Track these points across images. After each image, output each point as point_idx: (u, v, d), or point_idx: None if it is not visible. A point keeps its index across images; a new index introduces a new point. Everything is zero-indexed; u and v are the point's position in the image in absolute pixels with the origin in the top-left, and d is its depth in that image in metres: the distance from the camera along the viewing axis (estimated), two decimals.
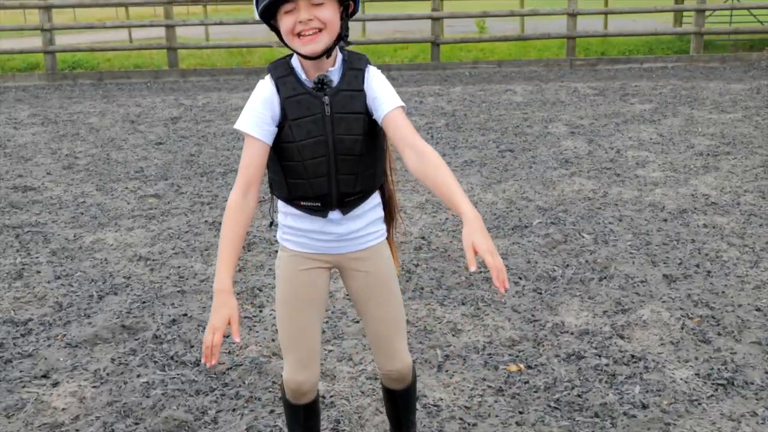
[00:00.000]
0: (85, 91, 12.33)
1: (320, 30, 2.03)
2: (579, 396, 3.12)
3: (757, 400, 3.08)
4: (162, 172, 6.92)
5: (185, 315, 3.93)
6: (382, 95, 2.11)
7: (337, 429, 2.92)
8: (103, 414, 3.03)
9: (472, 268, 1.80)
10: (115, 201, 6.05)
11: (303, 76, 2.12)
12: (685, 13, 17.46)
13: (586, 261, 4.57)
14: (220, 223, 5.35)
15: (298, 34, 2.03)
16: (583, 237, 4.98)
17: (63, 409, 3.07)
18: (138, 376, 3.32)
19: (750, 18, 18.04)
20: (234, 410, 3.05)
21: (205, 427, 2.93)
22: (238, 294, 4.17)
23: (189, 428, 2.92)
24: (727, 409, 3.01)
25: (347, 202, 2.20)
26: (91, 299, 4.16)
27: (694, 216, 5.36)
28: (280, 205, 2.27)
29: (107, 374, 3.34)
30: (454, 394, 3.15)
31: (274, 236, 5.10)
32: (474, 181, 6.37)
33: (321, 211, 2.20)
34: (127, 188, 6.42)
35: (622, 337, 3.62)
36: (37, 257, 4.83)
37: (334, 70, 2.13)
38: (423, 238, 5.00)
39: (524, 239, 4.97)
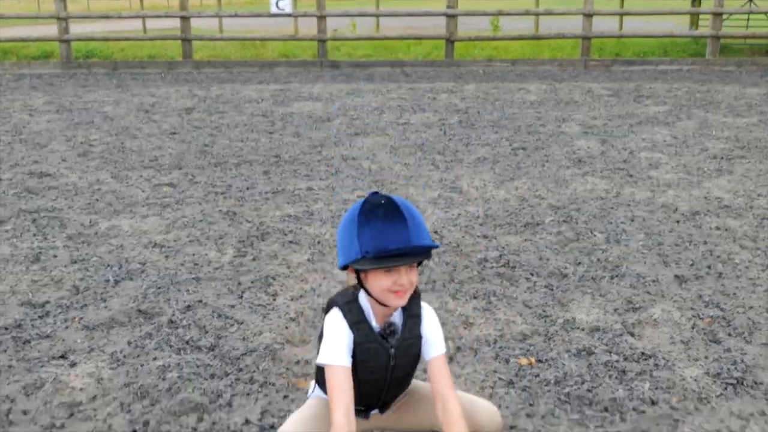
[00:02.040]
0: (100, 80, 12.41)
1: (407, 290, 2.21)
2: (589, 390, 3.15)
3: (766, 399, 3.10)
4: (176, 162, 6.97)
5: (200, 301, 3.97)
6: (432, 339, 2.33)
7: None
8: (120, 395, 3.08)
9: None
10: (129, 189, 6.11)
11: (373, 322, 2.27)
12: (701, 16, 17.40)
13: (598, 259, 4.60)
14: (234, 213, 5.41)
15: (392, 291, 2.19)
16: (595, 236, 5.01)
17: (81, 389, 3.12)
18: (154, 359, 3.36)
19: (767, 22, 17.96)
20: (248, 394, 3.09)
21: (220, 410, 2.97)
22: (251, 283, 4.22)
23: (204, 410, 2.97)
24: (736, 408, 3.04)
25: (388, 405, 2.44)
26: (107, 284, 4.21)
27: (706, 218, 5.37)
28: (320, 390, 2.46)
29: (124, 356, 3.39)
30: (466, 386, 3.18)
31: (287, 227, 5.15)
32: (487, 178, 6.40)
33: (363, 413, 2.41)
34: (141, 176, 6.47)
35: (632, 335, 3.65)
36: (54, 242, 4.88)
37: (396, 314, 2.30)
38: (436, 232, 5.03)
39: (536, 236, 4.99)
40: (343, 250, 2.21)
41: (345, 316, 2.24)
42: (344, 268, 2.23)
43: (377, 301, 2.22)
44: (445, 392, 2.25)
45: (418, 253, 2.16)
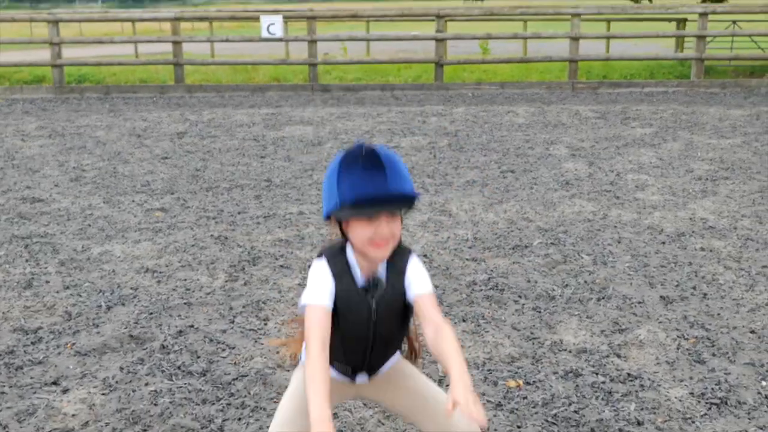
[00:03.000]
0: (92, 104, 12.48)
1: (389, 241, 2.18)
2: (576, 412, 3.20)
3: (749, 419, 3.16)
4: (168, 186, 7.02)
5: (192, 326, 4.01)
6: (415, 280, 2.25)
7: None
8: (113, 420, 3.11)
9: (447, 413, 1.92)
10: (122, 214, 6.15)
11: (358, 274, 2.24)
12: (686, 39, 17.66)
13: (585, 281, 4.66)
14: (225, 237, 5.46)
15: (373, 242, 2.17)
16: (583, 258, 5.08)
17: (73, 415, 3.15)
18: (146, 384, 3.40)
19: (751, 44, 18.25)
20: (239, 419, 3.13)
21: None
22: (242, 308, 4.26)
23: None
24: (720, 428, 3.09)
25: (375, 369, 2.39)
26: (99, 309, 4.25)
27: (691, 239, 5.45)
28: None
29: (116, 382, 3.42)
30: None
31: (279, 251, 5.20)
32: (475, 201, 6.47)
33: (350, 375, 2.38)
34: (133, 201, 6.52)
35: (618, 356, 3.70)
36: (46, 267, 4.92)
37: (381, 267, 2.26)
38: (425, 255, 5.09)
39: (524, 259, 5.06)
40: (325, 201, 2.21)
41: (329, 265, 2.22)
42: (328, 218, 2.23)
43: (360, 254, 2.20)
44: (437, 319, 2.18)
45: (396, 201, 2.15)
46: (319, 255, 2.27)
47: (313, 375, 2.04)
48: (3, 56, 18.50)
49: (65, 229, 5.73)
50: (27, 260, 5.06)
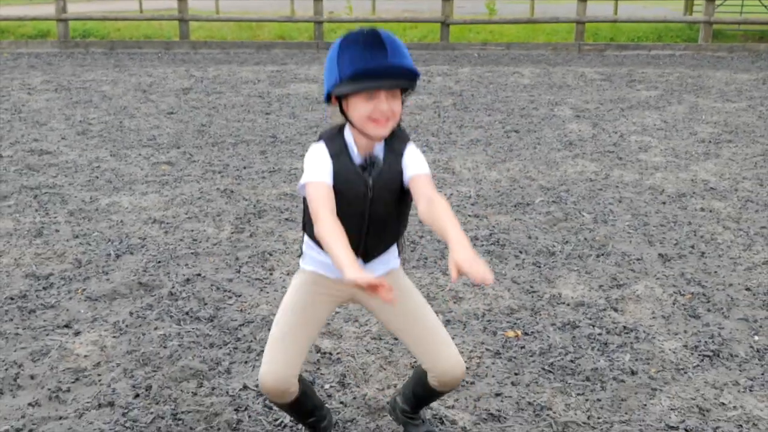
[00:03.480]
0: (97, 59, 12.46)
1: (389, 119, 2.18)
2: (572, 361, 3.30)
3: (740, 371, 3.25)
4: (174, 141, 7.08)
5: (199, 275, 4.10)
6: (412, 162, 2.26)
7: (343, 383, 3.10)
8: (123, 361, 3.22)
9: (453, 279, 1.90)
10: (129, 167, 6.22)
11: (354, 152, 2.26)
12: (695, 2, 17.49)
13: (585, 238, 4.74)
14: (231, 191, 5.54)
15: (372, 119, 2.17)
16: (583, 216, 5.15)
17: (85, 356, 3.26)
18: (155, 329, 3.50)
19: (761, 8, 18.06)
20: (246, 362, 3.23)
21: (219, 377, 3.11)
22: (248, 258, 4.35)
23: (204, 377, 3.11)
24: (711, 378, 3.19)
25: (371, 256, 2.37)
26: (108, 257, 4.34)
27: (692, 200, 5.51)
28: (307, 241, 2.42)
29: (126, 326, 3.52)
30: None
31: (284, 205, 5.27)
32: (479, 159, 6.52)
33: None
34: (140, 155, 6.58)
35: (615, 310, 3.79)
36: (56, 217, 5.00)
37: (379, 148, 2.27)
38: None
39: (526, 216, 5.13)
40: (326, 81, 2.24)
41: (327, 146, 2.26)
42: (328, 99, 2.26)
43: (360, 131, 2.23)
44: (431, 194, 2.18)
45: (396, 75, 2.14)
46: (318, 139, 2.31)
47: (330, 233, 2.04)
48: (7, 10, 18.40)
49: (73, 181, 5.80)
50: (36, 210, 5.14)
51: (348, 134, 2.27)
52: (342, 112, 2.24)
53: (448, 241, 2.01)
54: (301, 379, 2.48)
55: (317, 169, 2.21)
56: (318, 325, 2.46)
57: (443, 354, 2.43)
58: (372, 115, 2.16)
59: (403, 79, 2.17)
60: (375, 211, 2.28)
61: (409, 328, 2.44)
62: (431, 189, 2.22)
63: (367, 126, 2.19)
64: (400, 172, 2.27)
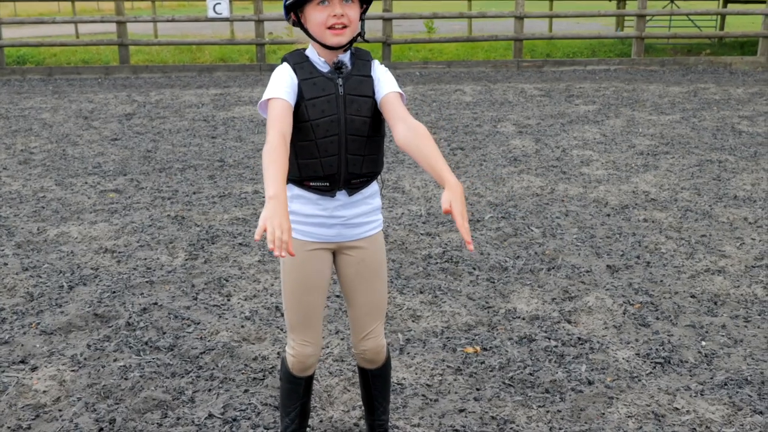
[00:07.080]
0: (35, 86, 12.23)
1: (346, 26, 2.28)
2: (531, 374, 3.38)
3: (690, 376, 3.39)
4: (120, 168, 7.00)
5: (155, 304, 4.07)
6: (384, 81, 2.37)
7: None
8: (84, 395, 3.18)
9: (470, 247, 2.01)
10: (75, 195, 6.12)
11: (320, 63, 2.34)
12: (626, 18, 18.08)
13: (536, 253, 4.86)
14: (182, 217, 5.51)
15: (329, 27, 2.27)
16: (532, 230, 5.27)
17: (44, 391, 3.20)
18: (115, 360, 3.47)
19: (688, 23, 18.78)
20: (209, 390, 3.23)
21: (183, 406, 3.10)
22: (205, 284, 4.34)
23: (168, 407, 3.09)
24: (664, 384, 3.31)
25: (353, 184, 2.40)
26: (61, 289, 4.27)
27: (634, 211, 5.70)
28: (288, 190, 2.41)
29: (84, 359, 3.48)
30: (416, 374, 3.38)
31: (237, 230, 5.27)
32: (427, 177, 6.62)
33: (329, 191, 2.37)
34: (86, 183, 6.49)
35: (569, 322, 3.90)
36: (3, 250, 4.90)
37: (345, 58, 2.36)
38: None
39: (477, 233, 5.23)
40: (284, 1, 2.34)
41: (289, 62, 2.35)
42: (288, 18, 2.35)
43: (320, 44, 2.31)
44: (405, 116, 2.27)
45: None
46: (282, 61, 2.38)
47: (271, 160, 2.09)
48: None
49: (19, 212, 5.69)
50: None
51: (311, 51, 2.37)
52: (301, 27, 2.34)
53: (443, 182, 2.12)
54: None
55: (277, 86, 2.28)
56: (325, 286, 2.51)
57: (370, 335, 2.59)
58: (328, 22, 2.27)
59: None
60: (351, 119, 2.33)
61: (358, 304, 2.55)
62: (405, 112, 2.31)
63: (325, 35, 2.29)
64: (369, 76, 2.36)
